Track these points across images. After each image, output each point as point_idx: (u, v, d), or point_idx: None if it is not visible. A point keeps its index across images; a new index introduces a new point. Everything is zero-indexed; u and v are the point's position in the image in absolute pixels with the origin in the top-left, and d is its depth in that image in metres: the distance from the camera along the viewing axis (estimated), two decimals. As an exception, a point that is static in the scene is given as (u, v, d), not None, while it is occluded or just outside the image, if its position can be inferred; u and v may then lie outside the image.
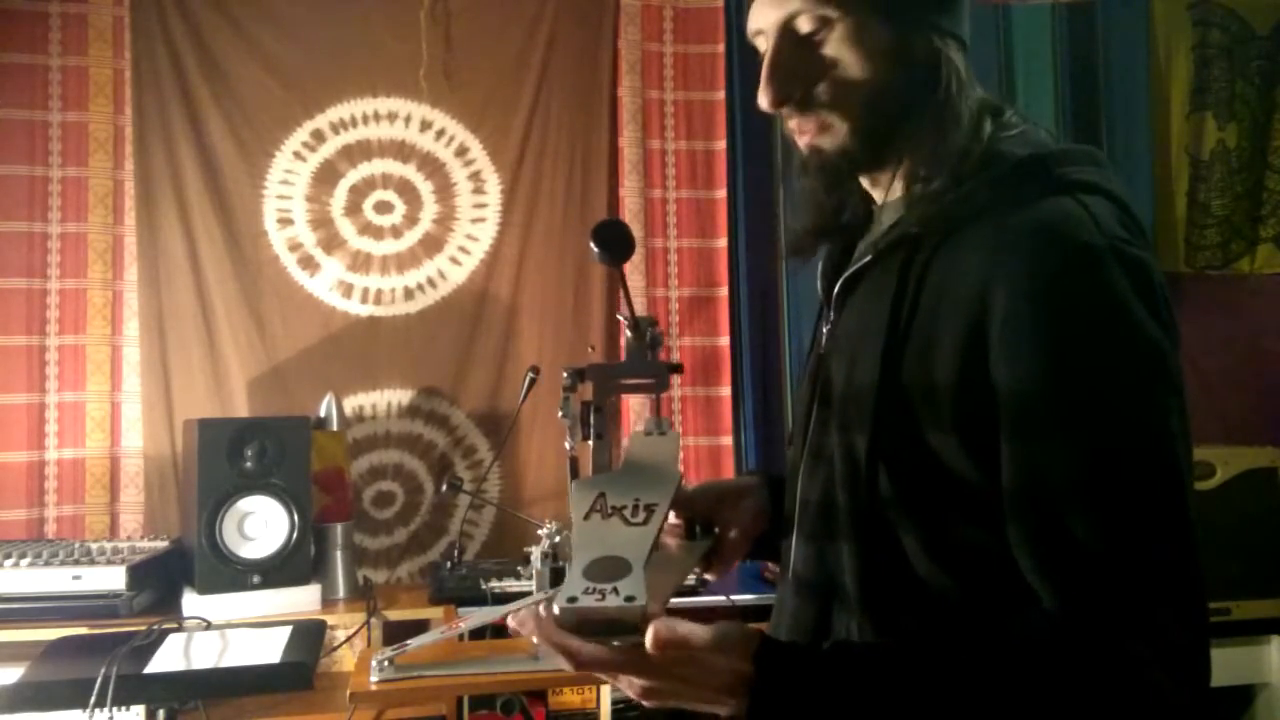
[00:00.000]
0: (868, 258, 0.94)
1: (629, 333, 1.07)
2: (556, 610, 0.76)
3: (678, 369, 1.18)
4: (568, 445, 1.07)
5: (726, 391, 2.98)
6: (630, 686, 0.80)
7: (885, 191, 0.97)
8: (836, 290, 0.98)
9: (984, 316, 0.81)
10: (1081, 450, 0.78)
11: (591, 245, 0.91)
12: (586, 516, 0.87)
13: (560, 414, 1.06)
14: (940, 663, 0.79)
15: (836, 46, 0.90)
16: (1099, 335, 0.79)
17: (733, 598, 2.34)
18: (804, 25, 0.91)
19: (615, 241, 0.92)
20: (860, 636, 0.88)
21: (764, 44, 0.94)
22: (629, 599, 0.75)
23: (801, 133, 0.95)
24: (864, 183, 0.99)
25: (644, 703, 0.80)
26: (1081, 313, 0.79)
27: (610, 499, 0.87)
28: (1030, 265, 0.80)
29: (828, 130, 0.93)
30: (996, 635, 0.81)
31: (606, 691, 2.36)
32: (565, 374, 1.07)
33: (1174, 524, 0.78)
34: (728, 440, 2.96)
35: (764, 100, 0.93)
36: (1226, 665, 2.58)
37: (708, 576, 1.11)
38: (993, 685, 0.77)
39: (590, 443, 1.02)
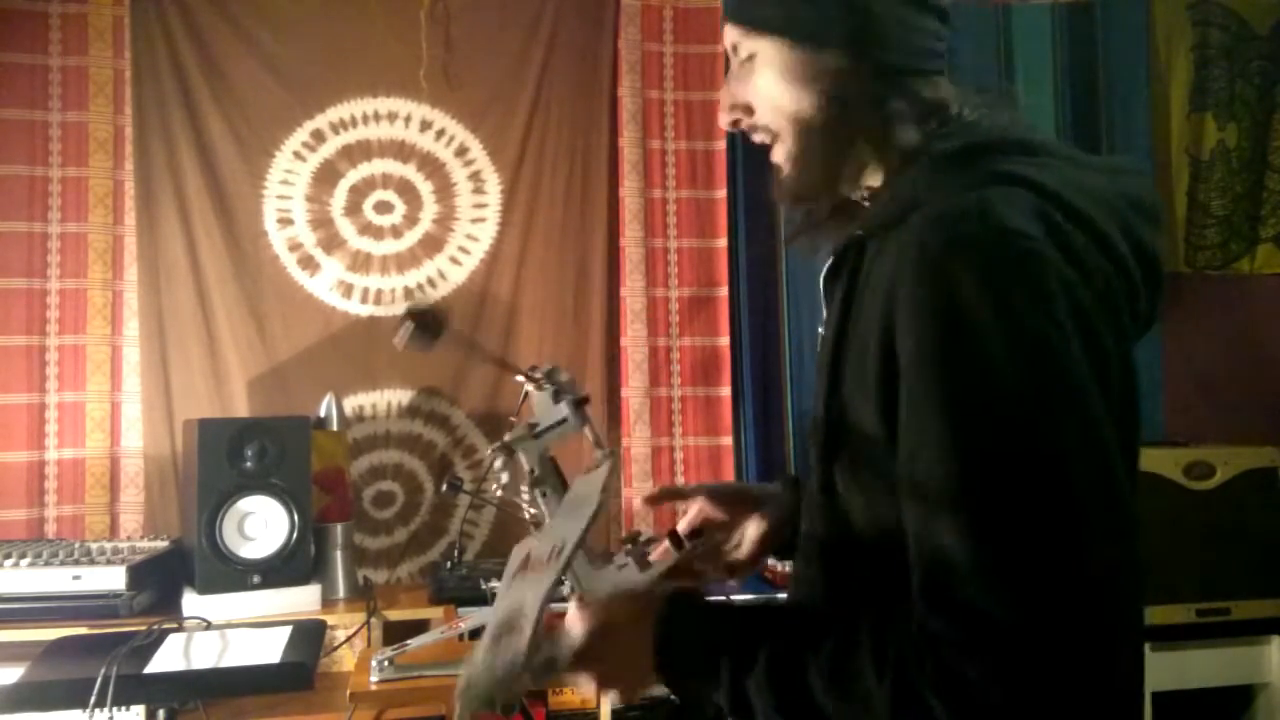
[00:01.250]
0: (830, 260, 0.98)
1: (531, 388, 1.12)
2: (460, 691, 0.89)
3: (585, 400, 1.36)
4: (526, 516, 1.16)
5: (726, 391, 2.98)
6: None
7: (861, 191, 0.99)
8: (823, 290, 1.01)
9: (889, 307, 0.82)
10: (938, 443, 0.77)
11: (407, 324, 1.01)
12: (512, 578, 0.95)
13: (498, 492, 1.13)
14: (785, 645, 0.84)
15: (762, 74, 0.95)
16: (965, 325, 0.77)
17: (733, 598, 2.33)
18: (741, 53, 0.97)
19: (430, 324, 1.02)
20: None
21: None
22: (509, 664, 0.85)
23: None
24: (842, 187, 1.00)
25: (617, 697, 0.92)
26: (952, 303, 0.77)
27: (535, 553, 0.94)
28: (916, 256, 0.80)
29: (778, 150, 0.98)
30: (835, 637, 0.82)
31: (606, 691, 2.36)
32: (491, 452, 1.21)
33: (1035, 531, 0.74)
34: (728, 440, 2.96)
35: (722, 121, 1.01)
36: (1226, 665, 2.58)
37: (731, 582, 1.16)
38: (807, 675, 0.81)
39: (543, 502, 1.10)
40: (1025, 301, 0.76)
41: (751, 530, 1.16)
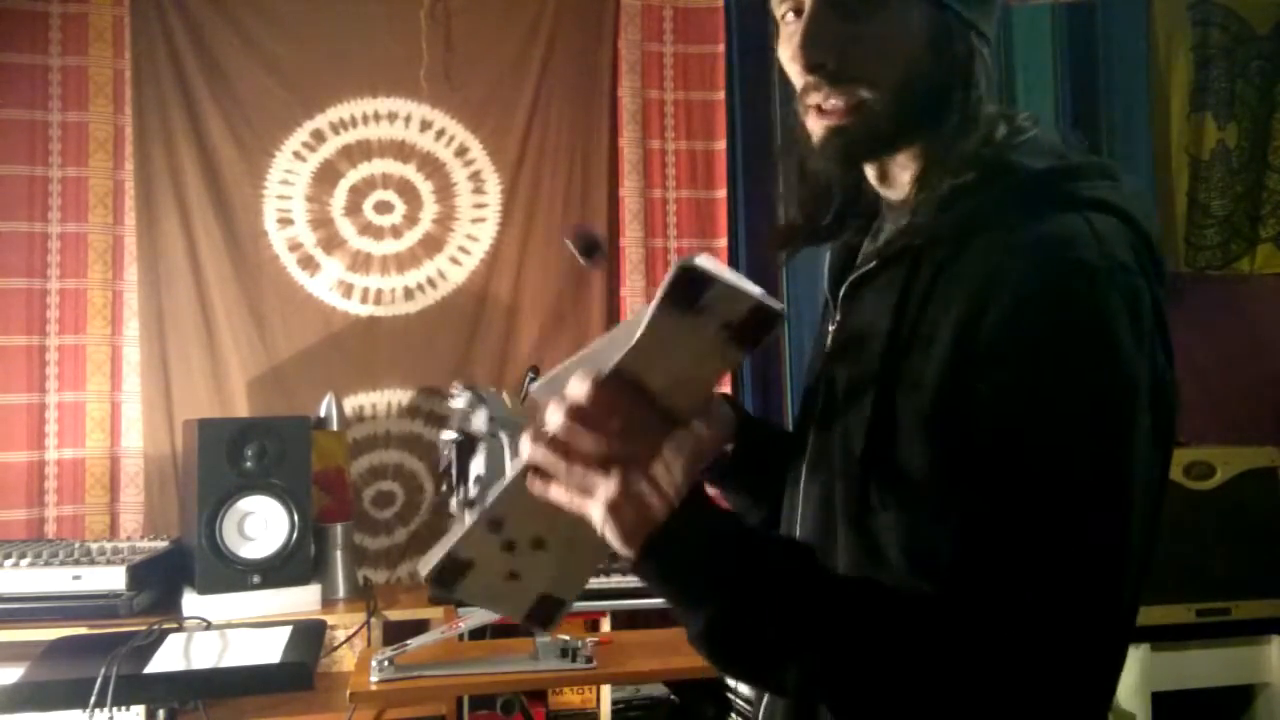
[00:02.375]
0: (873, 264, 0.91)
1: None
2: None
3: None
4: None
5: (726, 391, 2.98)
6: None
7: (891, 188, 0.93)
8: (843, 293, 0.95)
9: (976, 323, 0.78)
10: (1027, 469, 0.75)
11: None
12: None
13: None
14: (823, 589, 0.78)
15: (883, 21, 0.85)
16: (1076, 355, 0.76)
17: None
18: None
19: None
20: None
21: (790, 9, 0.88)
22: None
23: (826, 110, 0.87)
24: (873, 178, 0.94)
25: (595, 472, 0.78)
26: (1064, 330, 0.76)
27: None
28: (1025, 276, 0.77)
29: (858, 108, 0.86)
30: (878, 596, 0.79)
31: (606, 691, 2.36)
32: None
33: (1091, 559, 0.74)
34: (728, 440, 2.96)
35: (799, 62, 0.86)
36: (1226, 665, 2.58)
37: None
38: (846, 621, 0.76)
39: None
40: (1129, 337, 0.76)
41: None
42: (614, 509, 0.77)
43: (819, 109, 0.88)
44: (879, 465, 0.84)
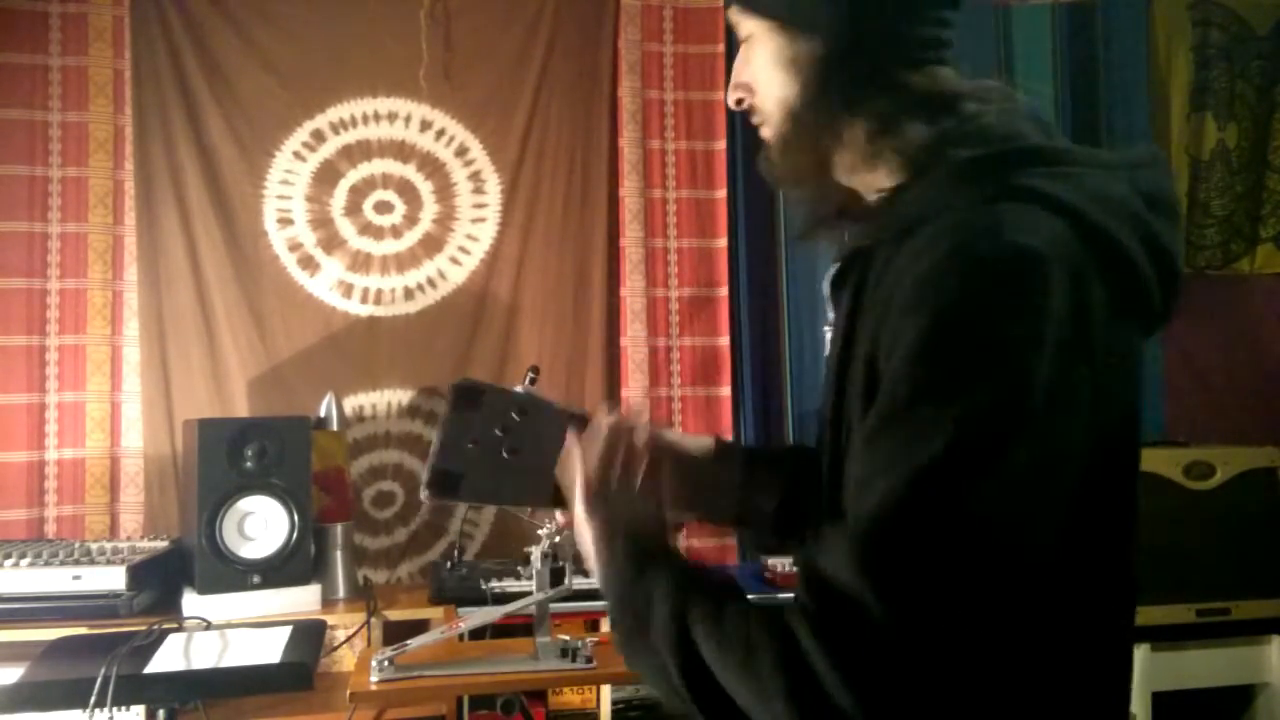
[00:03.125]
0: (837, 264, 0.96)
1: None
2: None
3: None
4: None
5: (726, 391, 2.98)
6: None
7: (864, 191, 0.96)
8: (830, 292, 1.02)
9: (889, 315, 0.79)
10: (905, 450, 0.73)
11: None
12: None
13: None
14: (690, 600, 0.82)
15: (757, 57, 0.94)
16: (958, 345, 0.74)
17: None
18: (741, 33, 0.97)
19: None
20: None
21: None
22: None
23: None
24: (839, 176, 0.97)
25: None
26: (949, 321, 0.74)
27: None
28: (922, 269, 0.77)
29: (766, 131, 0.97)
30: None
31: (606, 691, 2.36)
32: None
33: (961, 563, 0.70)
34: (728, 440, 2.95)
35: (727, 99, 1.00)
36: (1226, 665, 2.58)
37: None
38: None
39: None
40: (1017, 323, 0.73)
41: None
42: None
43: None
44: (842, 454, 0.87)
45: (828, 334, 1.00)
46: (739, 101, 0.98)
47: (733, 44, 1.06)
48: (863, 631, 0.69)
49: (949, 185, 0.83)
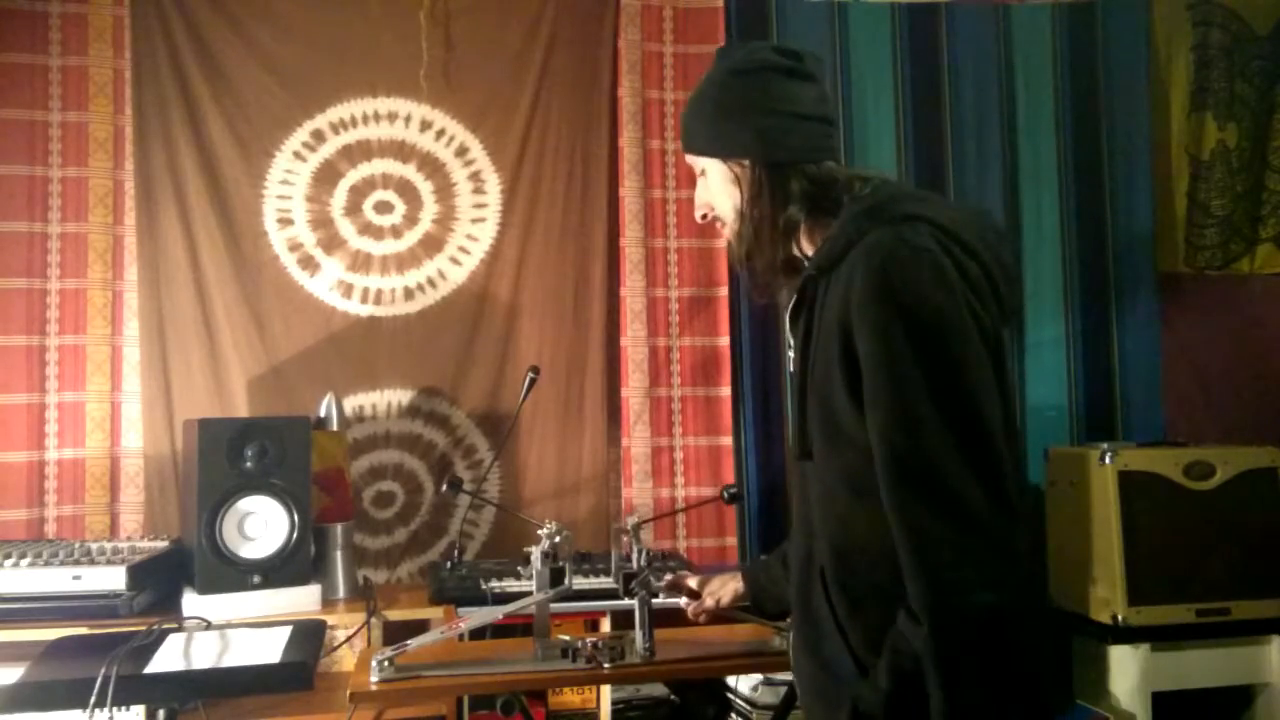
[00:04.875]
0: (793, 299, 1.32)
1: None
2: None
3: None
4: None
5: (726, 391, 2.98)
6: None
7: (810, 249, 1.35)
8: (788, 328, 1.36)
9: (845, 313, 1.18)
10: (902, 407, 1.13)
11: None
12: None
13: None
14: None
15: (711, 183, 1.39)
16: (905, 316, 1.14)
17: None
18: (697, 169, 1.42)
19: None
20: (818, 555, 1.27)
21: None
22: None
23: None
24: (793, 248, 1.36)
25: None
26: (891, 299, 1.14)
27: None
28: (861, 272, 1.18)
29: (727, 230, 1.41)
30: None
31: (606, 691, 2.36)
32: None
33: (980, 459, 1.10)
34: (728, 440, 2.96)
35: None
36: (1226, 665, 2.58)
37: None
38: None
39: None
40: (936, 290, 1.15)
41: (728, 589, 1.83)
42: None
43: None
44: (814, 427, 1.26)
45: (791, 355, 1.38)
46: (704, 216, 1.42)
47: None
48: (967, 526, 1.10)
49: (857, 222, 1.24)
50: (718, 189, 1.38)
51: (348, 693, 1.67)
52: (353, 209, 2.87)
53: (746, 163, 1.34)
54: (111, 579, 2.15)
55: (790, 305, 1.34)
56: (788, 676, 1.87)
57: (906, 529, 1.11)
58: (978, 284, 1.20)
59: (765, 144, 1.32)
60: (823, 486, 1.26)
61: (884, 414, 1.14)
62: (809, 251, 1.35)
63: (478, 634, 2.03)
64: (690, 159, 1.42)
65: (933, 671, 1.08)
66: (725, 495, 2.52)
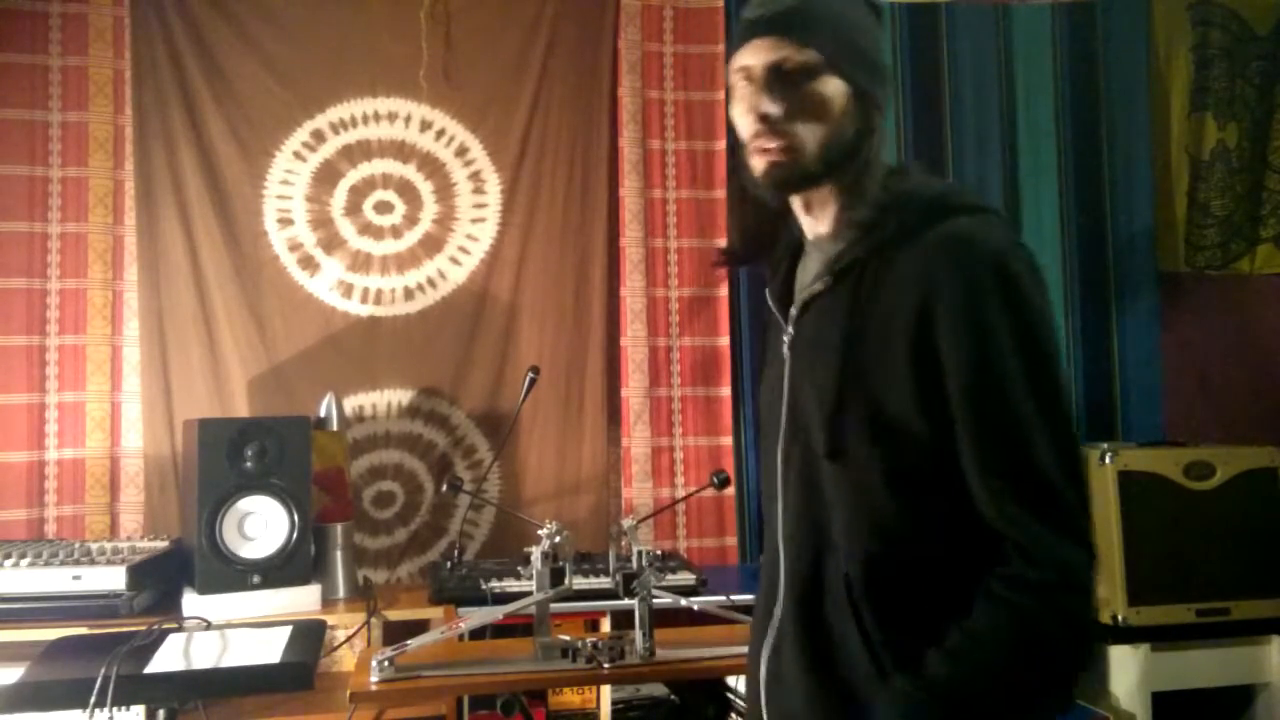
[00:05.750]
0: (826, 279, 1.19)
1: None
2: None
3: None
4: None
5: (726, 391, 2.98)
6: None
7: (817, 223, 1.23)
8: (796, 310, 1.24)
9: (928, 306, 1.08)
10: (1011, 412, 1.06)
11: None
12: None
13: None
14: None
15: (815, 89, 1.15)
16: (1014, 313, 1.07)
17: (732, 597, 2.34)
18: (791, 67, 1.15)
19: None
20: (844, 564, 1.14)
21: (742, 79, 1.18)
22: None
23: (764, 150, 1.17)
24: (800, 212, 1.25)
25: None
26: (997, 297, 1.07)
27: None
28: (954, 262, 1.09)
29: (793, 151, 1.16)
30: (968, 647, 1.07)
31: (606, 691, 2.36)
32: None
33: (1070, 454, 1.08)
34: (728, 440, 2.96)
35: (754, 112, 1.17)
36: (1226, 665, 2.58)
37: None
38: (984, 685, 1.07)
39: None
40: (1035, 291, 1.10)
41: None
42: None
43: (762, 150, 1.17)
44: (854, 431, 1.12)
45: (790, 332, 1.26)
46: (779, 113, 1.16)
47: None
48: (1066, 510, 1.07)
49: (916, 210, 1.15)
50: (827, 105, 1.15)
51: (348, 693, 1.68)
52: (353, 209, 2.87)
53: (871, 100, 1.18)
54: (111, 579, 2.15)
55: (814, 289, 1.21)
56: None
57: (1009, 525, 1.07)
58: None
59: (884, 92, 1.20)
60: (854, 487, 1.13)
61: (986, 413, 1.07)
62: (820, 225, 1.23)
63: (478, 634, 2.03)
64: (804, 54, 1.14)
65: (1004, 611, 1.05)
66: (715, 481, 2.51)
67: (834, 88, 1.15)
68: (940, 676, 1.06)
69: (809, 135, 1.16)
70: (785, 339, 1.25)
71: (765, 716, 1.22)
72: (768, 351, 1.33)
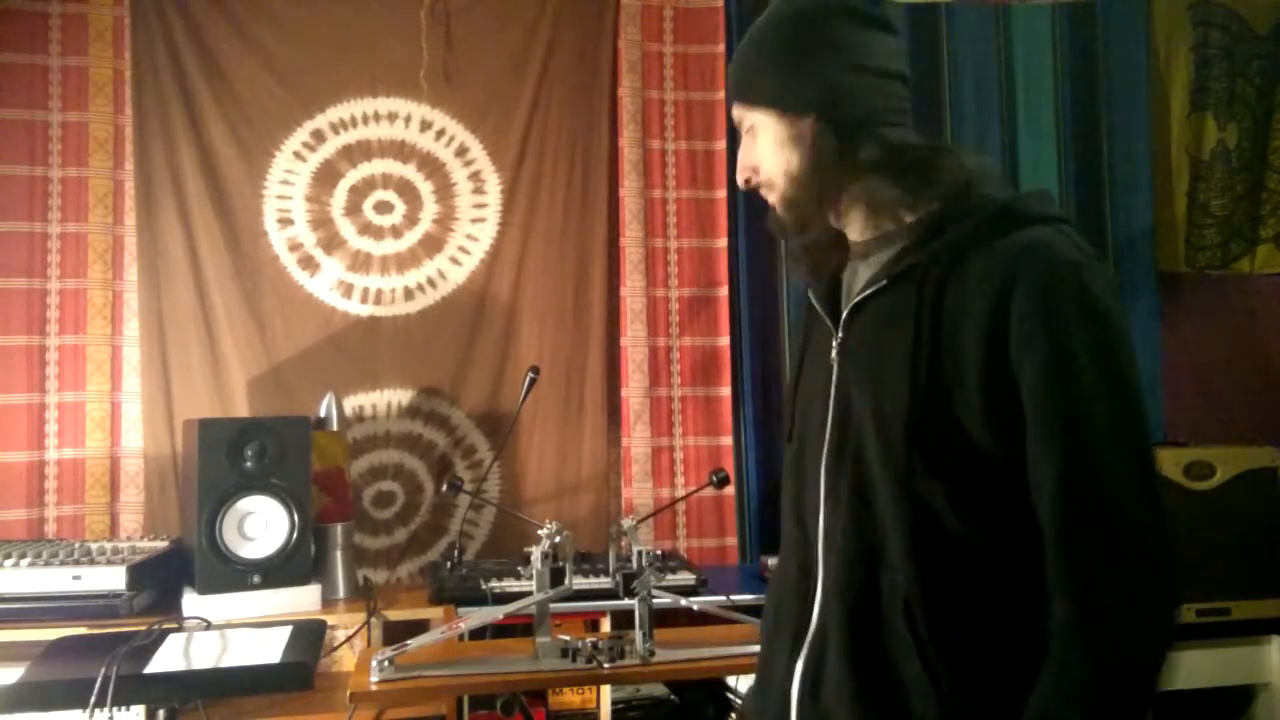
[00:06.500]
0: (881, 283, 1.14)
1: None
2: None
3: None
4: None
5: (726, 391, 2.98)
6: None
7: (852, 230, 1.21)
8: (847, 312, 1.19)
9: (1002, 317, 1.04)
10: (1088, 430, 1.01)
11: None
12: None
13: None
14: None
15: (766, 140, 1.20)
16: (1092, 327, 1.02)
17: (732, 597, 2.34)
18: (744, 125, 1.23)
19: None
20: (903, 586, 1.08)
21: None
22: None
23: (765, 197, 1.25)
24: (834, 223, 1.23)
25: None
26: (1075, 310, 1.02)
27: None
28: (1032, 275, 1.04)
29: (773, 192, 1.23)
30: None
31: (606, 691, 2.36)
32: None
33: (1150, 483, 1.03)
34: (728, 440, 2.96)
35: (739, 169, 1.25)
36: (1226, 665, 2.58)
37: None
38: None
39: None
40: (1114, 304, 1.05)
41: None
42: None
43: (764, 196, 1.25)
44: (923, 447, 1.07)
45: (840, 339, 1.21)
46: (748, 180, 1.25)
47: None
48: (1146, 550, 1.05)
49: (994, 219, 1.09)
50: (770, 149, 1.19)
51: (348, 693, 1.68)
52: (353, 209, 2.87)
53: (811, 120, 1.16)
54: (111, 579, 2.15)
55: (865, 291, 1.16)
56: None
57: (1072, 568, 1.02)
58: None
59: (837, 100, 1.15)
60: (917, 507, 1.08)
61: (1063, 442, 1.01)
62: (864, 230, 1.20)
63: (478, 634, 2.03)
64: (739, 112, 1.23)
65: (1071, 701, 0.99)
66: (714, 480, 2.51)
67: (789, 131, 1.17)
68: None
69: (781, 180, 1.20)
70: (834, 343, 1.20)
71: None
72: (806, 355, 1.30)
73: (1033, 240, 1.06)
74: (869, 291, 1.16)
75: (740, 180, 1.25)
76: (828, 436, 1.18)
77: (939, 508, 1.07)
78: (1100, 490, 1.01)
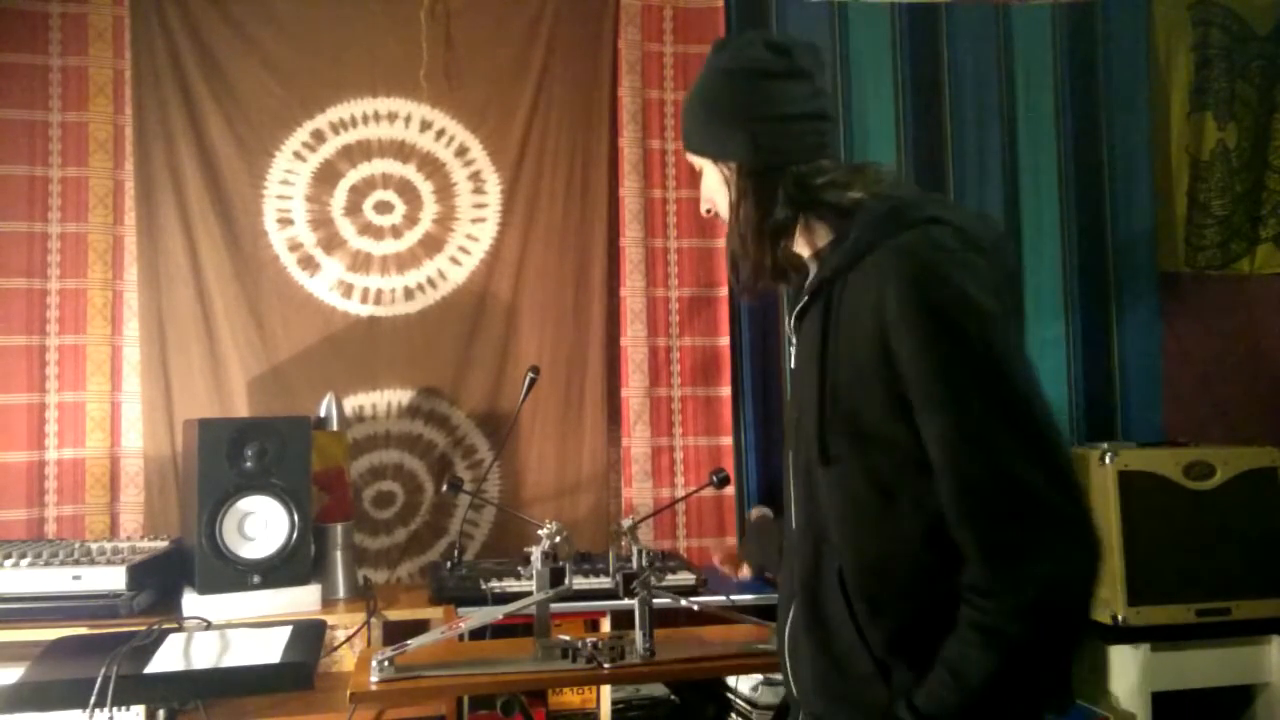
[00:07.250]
0: (805, 299, 1.32)
1: None
2: None
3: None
4: None
5: (726, 391, 2.98)
6: None
7: (804, 249, 1.37)
8: (792, 323, 1.37)
9: (880, 315, 1.17)
10: (962, 409, 1.12)
11: None
12: None
13: None
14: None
15: (707, 181, 1.41)
16: (954, 314, 1.13)
17: (732, 597, 2.34)
18: (696, 166, 1.43)
19: None
20: (836, 560, 1.24)
21: None
22: None
23: None
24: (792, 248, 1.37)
25: None
26: (936, 300, 1.13)
27: None
28: (896, 276, 1.16)
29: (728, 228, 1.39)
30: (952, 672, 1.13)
31: (606, 691, 2.36)
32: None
33: (1039, 448, 1.10)
34: (728, 440, 2.96)
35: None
36: (1226, 665, 2.58)
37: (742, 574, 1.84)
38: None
39: None
40: (980, 294, 1.14)
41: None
42: None
43: None
44: (835, 434, 1.23)
45: (794, 354, 1.38)
46: (708, 210, 1.44)
47: None
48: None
49: (875, 227, 1.23)
50: (713, 188, 1.40)
51: (348, 693, 1.67)
52: (353, 209, 2.87)
53: (734, 166, 1.34)
54: (111, 579, 2.15)
55: (798, 306, 1.34)
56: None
57: (977, 537, 1.12)
58: (1000, 286, 1.21)
59: (752, 149, 1.32)
60: (843, 491, 1.23)
61: (942, 422, 1.13)
62: (806, 251, 1.37)
63: (478, 634, 2.03)
64: (688, 156, 1.45)
65: (979, 638, 1.10)
66: (714, 480, 2.52)
67: (722, 174, 1.37)
68: (931, 714, 1.13)
69: (727, 213, 1.38)
70: (790, 348, 1.38)
71: (790, 672, 1.37)
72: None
73: (908, 240, 1.18)
74: (801, 305, 1.34)
75: (702, 209, 1.45)
76: (791, 434, 1.37)
77: (858, 489, 1.22)
78: (982, 461, 1.11)
